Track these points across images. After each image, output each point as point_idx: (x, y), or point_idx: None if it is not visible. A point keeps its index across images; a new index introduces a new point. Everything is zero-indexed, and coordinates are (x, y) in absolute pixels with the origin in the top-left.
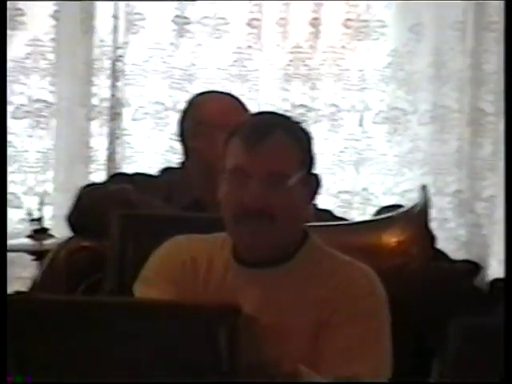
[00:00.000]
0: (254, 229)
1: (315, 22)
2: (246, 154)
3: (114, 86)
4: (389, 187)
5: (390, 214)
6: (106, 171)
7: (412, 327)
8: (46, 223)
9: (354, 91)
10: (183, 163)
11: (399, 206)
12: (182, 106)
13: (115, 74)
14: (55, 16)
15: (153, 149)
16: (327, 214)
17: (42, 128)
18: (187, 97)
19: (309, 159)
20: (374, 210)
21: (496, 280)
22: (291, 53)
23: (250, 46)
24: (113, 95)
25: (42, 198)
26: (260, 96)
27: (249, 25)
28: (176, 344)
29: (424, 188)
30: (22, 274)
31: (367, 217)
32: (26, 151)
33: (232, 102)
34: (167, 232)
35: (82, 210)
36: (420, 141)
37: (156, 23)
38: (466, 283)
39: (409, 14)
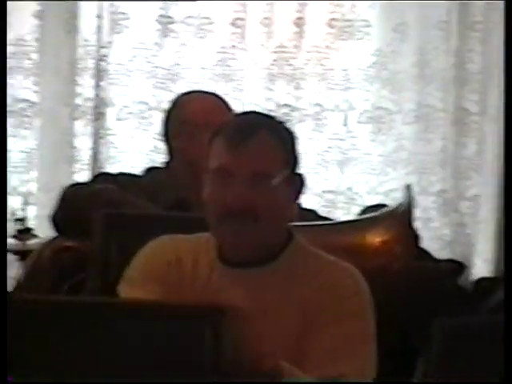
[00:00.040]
0: (238, 229)
1: (299, 22)
2: (229, 154)
3: (97, 86)
4: (373, 187)
5: (374, 214)
6: (89, 171)
7: (396, 327)
8: (30, 223)
9: (338, 91)
10: (167, 163)
11: (383, 206)
12: (166, 105)
13: (99, 74)
14: (39, 16)
15: (137, 148)
16: (311, 214)
17: (26, 128)
18: (171, 96)
19: (293, 159)
20: (358, 209)
21: (480, 279)
22: (275, 52)
23: (234, 46)
24: (97, 95)
25: (25, 197)
26: (244, 96)
27: (233, 24)
28: (161, 344)
29: (408, 187)
30: None
31: (351, 216)
32: (10, 151)
33: (216, 102)
34: (151, 232)
35: (66, 210)
36: (404, 140)
37: (140, 23)
38: (450, 282)
39: (393, 14)
